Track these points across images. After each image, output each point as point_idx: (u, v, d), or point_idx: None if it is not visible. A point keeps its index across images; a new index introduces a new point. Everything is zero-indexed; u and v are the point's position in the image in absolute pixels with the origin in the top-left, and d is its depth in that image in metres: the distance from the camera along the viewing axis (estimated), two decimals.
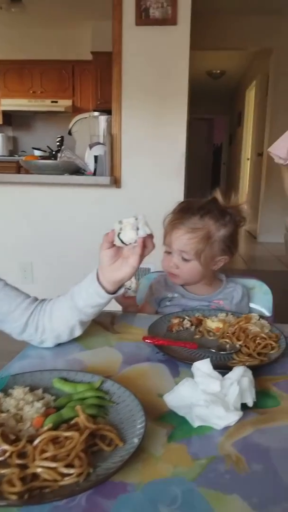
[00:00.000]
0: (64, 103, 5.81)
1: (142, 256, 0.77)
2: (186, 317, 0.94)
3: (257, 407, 0.62)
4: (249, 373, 0.63)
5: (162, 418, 0.60)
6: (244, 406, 0.61)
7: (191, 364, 0.67)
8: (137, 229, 0.76)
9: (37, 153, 5.07)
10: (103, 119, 2.72)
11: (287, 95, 4.79)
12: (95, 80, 5.47)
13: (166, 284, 1.15)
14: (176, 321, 0.91)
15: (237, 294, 1.13)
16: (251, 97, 6.54)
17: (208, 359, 0.63)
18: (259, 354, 0.77)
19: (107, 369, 0.75)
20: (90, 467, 0.48)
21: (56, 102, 5.88)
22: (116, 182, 2.64)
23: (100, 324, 0.95)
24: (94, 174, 2.57)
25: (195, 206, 1.07)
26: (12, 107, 5.82)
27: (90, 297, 0.79)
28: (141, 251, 0.76)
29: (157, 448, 0.54)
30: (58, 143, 3.02)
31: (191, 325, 0.92)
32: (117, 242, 0.77)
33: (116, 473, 0.47)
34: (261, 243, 5.39)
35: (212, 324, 0.89)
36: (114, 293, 0.81)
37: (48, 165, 2.63)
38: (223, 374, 0.63)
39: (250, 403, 0.61)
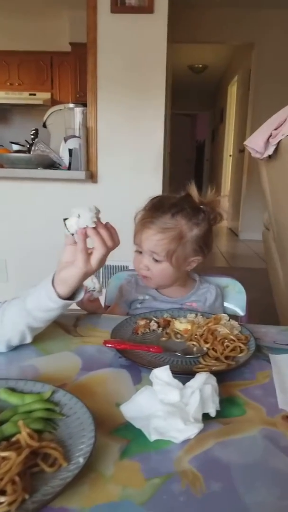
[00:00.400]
0: (42, 96, 5.69)
1: (101, 255, 0.71)
2: (154, 318, 0.89)
3: (221, 417, 0.58)
4: (213, 379, 0.59)
5: (117, 431, 0.55)
6: (207, 416, 0.56)
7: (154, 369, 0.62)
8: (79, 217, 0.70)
9: (15, 147, 4.94)
10: (78, 111, 2.64)
11: (269, 90, 4.78)
12: (74, 72, 5.37)
13: (137, 285, 1.10)
14: (142, 322, 0.86)
15: (211, 295, 1.08)
16: (233, 92, 6.53)
17: (167, 366, 0.57)
18: (226, 357, 0.72)
19: (63, 376, 0.69)
20: (26, 492, 0.42)
21: (34, 94, 5.76)
22: (92, 177, 2.57)
23: (62, 327, 0.90)
24: (69, 168, 2.49)
25: (166, 203, 1.01)
26: None
27: (40, 300, 0.73)
28: (83, 245, 0.70)
29: (108, 467, 0.49)
30: (32, 136, 2.91)
31: (158, 326, 0.87)
32: (65, 231, 0.71)
33: (54, 499, 0.42)
34: (243, 241, 5.39)
35: (180, 325, 0.84)
36: (68, 298, 0.74)
37: (21, 159, 2.54)
38: (188, 380, 0.58)
39: (212, 413, 0.56)
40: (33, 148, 2.69)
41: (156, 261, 1.00)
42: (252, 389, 0.66)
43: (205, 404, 0.56)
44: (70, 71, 5.50)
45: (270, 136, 1.32)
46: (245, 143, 1.40)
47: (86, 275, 0.73)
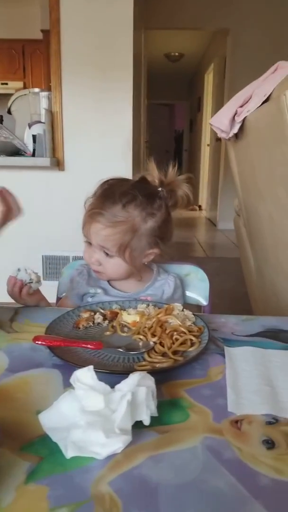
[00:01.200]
0: (14, 85, 5.51)
1: None
2: (100, 310, 0.79)
3: (158, 424, 0.48)
4: (150, 380, 0.49)
5: (29, 446, 0.45)
6: (141, 425, 0.47)
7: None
8: None
9: None
10: (43, 95, 2.51)
11: (244, 77, 4.67)
12: (46, 60, 5.17)
13: (89, 277, 1.00)
14: (85, 315, 0.76)
15: (168, 288, 0.98)
16: (209, 80, 6.44)
17: (91, 367, 0.48)
18: (175, 352, 0.63)
19: None
20: None
21: (6, 84, 5.60)
22: (59, 164, 2.44)
23: None
24: (33, 155, 2.37)
25: (117, 191, 0.89)
26: None
27: None
28: None
29: (8, 493, 0.39)
30: None
31: (104, 319, 0.77)
32: None
33: None
34: (221, 230, 5.34)
35: (128, 317, 0.75)
36: None
37: None
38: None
39: (146, 421, 0.47)
40: None
41: (108, 255, 0.90)
42: (201, 389, 0.56)
43: (138, 410, 0.46)
44: (42, 59, 5.33)
45: (236, 114, 1.23)
46: (210, 122, 1.31)
47: None
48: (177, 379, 0.59)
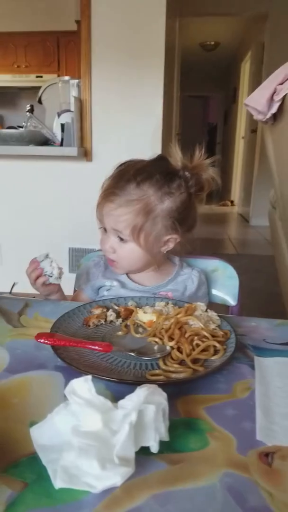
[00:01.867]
0: (49, 78, 5.49)
1: None
2: (114, 307, 0.71)
3: (169, 451, 0.40)
4: (161, 396, 0.41)
5: (15, 467, 0.38)
6: (147, 451, 0.38)
7: (95, 375, 0.46)
8: None
9: None
10: (73, 83, 2.45)
11: (284, 62, 4.48)
12: (79, 53, 5.16)
13: (105, 269, 0.92)
14: (97, 311, 0.69)
15: (192, 283, 0.89)
16: (246, 69, 6.21)
17: (89, 377, 0.40)
18: (195, 361, 0.54)
19: None
20: None
21: (41, 77, 5.59)
22: (86, 154, 2.38)
23: (4, 314, 0.73)
24: (61, 144, 2.31)
25: (132, 169, 0.82)
26: None
27: None
28: None
29: None
30: (27, 113, 2.73)
31: (118, 317, 0.69)
32: None
33: None
34: (254, 227, 5.15)
35: (144, 316, 0.66)
36: None
37: (11, 135, 2.36)
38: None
39: (153, 447, 0.38)
40: (25, 124, 2.51)
41: (122, 240, 0.82)
42: (224, 408, 0.47)
43: (144, 433, 0.38)
44: (76, 51, 5.29)
45: (274, 92, 1.12)
46: (244, 101, 1.20)
47: None
48: (196, 393, 0.50)
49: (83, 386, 0.39)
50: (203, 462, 0.39)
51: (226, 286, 0.96)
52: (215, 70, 8.34)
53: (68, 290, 0.97)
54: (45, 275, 0.81)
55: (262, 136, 4.93)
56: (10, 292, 1.42)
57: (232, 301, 0.95)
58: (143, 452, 0.38)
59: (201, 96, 9.30)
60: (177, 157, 0.84)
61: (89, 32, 2.24)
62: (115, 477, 0.34)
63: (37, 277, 0.82)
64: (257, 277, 2.59)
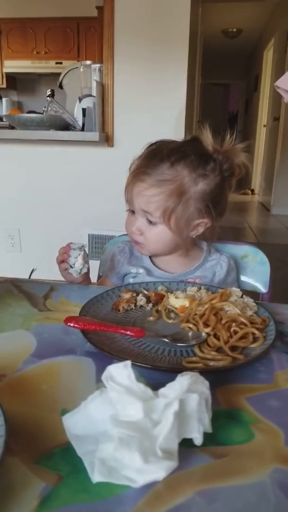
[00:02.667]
0: (69, 64, 5.46)
1: None
2: (144, 291, 0.68)
3: (213, 444, 0.37)
4: (203, 385, 0.38)
5: (47, 459, 0.36)
6: (189, 444, 0.36)
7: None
8: None
9: None
10: (95, 67, 2.40)
11: None
12: (101, 39, 5.09)
13: (131, 256, 0.89)
14: (126, 296, 0.66)
15: (221, 269, 0.85)
16: (269, 57, 6.04)
17: (128, 362, 0.37)
18: (233, 348, 0.51)
19: (3, 364, 0.50)
20: None
21: (60, 63, 5.55)
22: (108, 140, 2.34)
23: (28, 298, 0.71)
24: (83, 129, 2.28)
25: (166, 149, 0.79)
26: (15, 69, 5.50)
27: None
28: None
29: None
30: (48, 98, 2.71)
31: (148, 302, 0.66)
32: None
33: None
34: (275, 216, 5.05)
35: (176, 301, 0.63)
36: None
37: (32, 120, 2.34)
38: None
39: (197, 439, 0.35)
40: (46, 108, 2.48)
41: (151, 222, 0.79)
42: (267, 398, 0.44)
43: (187, 424, 0.35)
44: (97, 37, 5.22)
45: None
46: (276, 83, 1.14)
47: None
48: (235, 382, 0.47)
49: (122, 372, 0.36)
50: (249, 456, 0.36)
51: (257, 273, 0.92)
52: (236, 58, 8.15)
53: (93, 277, 0.94)
54: (68, 263, 0.79)
55: (285, 124, 4.80)
56: (29, 278, 1.37)
57: (263, 288, 0.91)
58: (184, 444, 0.35)
59: (222, 84, 9.12)
60: (207, 141, 0.80)
61: (112, 16, 2.18)
62: (158, 471, 0.31)
63: (63, 261, 0.79)
64: (280, 266, 2.54)
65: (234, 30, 6.60)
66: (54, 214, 2.55)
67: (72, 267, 0.78)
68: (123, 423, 0.34)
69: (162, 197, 0.75)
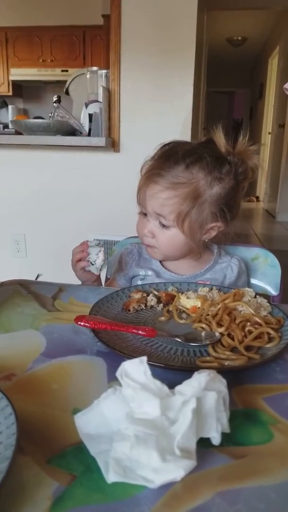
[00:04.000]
0: (74, 72, 5.52)
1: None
2: (154, 291, 0.67)
3: (231, 444, 0.36)
4: (221, 383, 0.36)
5: (60, 458, 0.34)
6: (207, 443, 0.34)
7: None
8: None
9: None
10: (101, 73, 2.42)
11: None
12: (106, 46, 5.14)
13: (139, 257, 0.88)
14: (137, 296, 0.65)
15: (231, 272, 0.84)
16: (273, 65, 6.07)
17: (144, 358, 0.36)
18: (248, 348, 0.50)
19: (13, 363, 0.49)
20: None
21: (66, 71, 5.60)
22: (114, 145, 2.35)
23: (37, 299, 0.70)
24: (89, 134, 2.28)
25: (181, 150, 0.78)
26: (21, 77, 5.55)
27: None
28: None
29: None
30: (54, 104, 2.72)
31: (159, 302, 0.65)
32: None
33: None
34: (281, 222, 5.03)
35: (187, 302, 0.62)
36: None
37: (39, 125, 2.35)
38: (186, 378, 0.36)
39: (215, 439, 0.34)
40: (52, 114, 2.50)
41: (164, 226, 0.78)
42: (285, 398, 0.43)
43: (205, 423, 0.34)
44: (102, 45, 5.28)
45: None
46: (285, 86, 1.14)
47: None
48: (252, 383, 0.46)
49: (138, 368, 0.35)
50: (270, 457, 0.35)
51: (268, 275, 0.91)
52: (241, 66, 8.19)
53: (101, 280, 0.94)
54: (88, 260, 0.78)
55: None
56: None
57: (273, 291, 0.90)
58: (201, 444, 0.34)
59: (226, 92, 9.16)
60: (220, 142, 0.79)
61: (119, 22, 2.20)
62: (177, 471, 0.30)
63: (80, 259, 0.78)
64: (286, 272, 2.52)
65: (239, 38, 6.65)
66: (60, 219, 2.55)
67: (93, 264, 0.77)
68: (139, 421, 0.33)
69: (176, 200, 0.74)
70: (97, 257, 0.77)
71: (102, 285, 0.88)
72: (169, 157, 0.78)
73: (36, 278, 2.73)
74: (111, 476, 0.31)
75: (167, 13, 2.20)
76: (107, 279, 0.99)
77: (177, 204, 0.75)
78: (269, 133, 6.29)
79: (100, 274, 0.82)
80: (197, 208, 0.75)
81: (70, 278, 0.91)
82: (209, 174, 0.75)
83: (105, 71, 2.42)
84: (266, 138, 6.58)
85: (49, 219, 2.57)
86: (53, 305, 0.68)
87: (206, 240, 0.82)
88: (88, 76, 2.52)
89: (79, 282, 0.87)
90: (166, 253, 0.83)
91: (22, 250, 2.70)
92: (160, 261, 0.86)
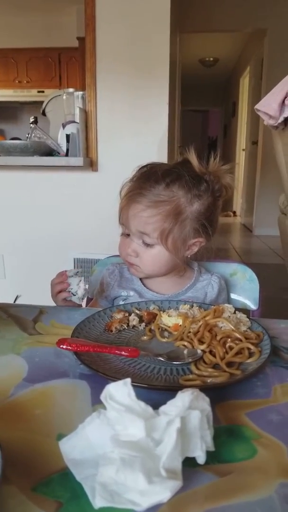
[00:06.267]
0: (51, 93, 5.57)
1: None
2: (136, 311, 0.68)
3: (216, 461, 0.36)
4: (204, 401, 0.37)
5: (46, 485, 0.34)
6: (192, 462, 0.35)
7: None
8: None
9: None
10: (78, 95, 2.45)
11: (283, 76, 4.51)
12: (82, 68, 5.22)
13: (121, 278, 0.89)
14: (119, 316, 0.65)
15: (212, 290, 0.86)
16: (245, 84, 6.28)
17: (128, 380, 0.36)
18: (229, 364, 0.51)
19: None
20: None
21: (42, 92, 5.67)
22: (92, 164, 2.37)
23: (17, 322, 0.69)
24: (67, 155, 2.30)
25: (160, 170, 0.80)
26: None
27: None
28: None
29: None
30: (31, 124, 2.74)
31: (141, 321, 0.65)
32: None
33: None
34: (258, 236, 5.13)
35: (169, 320, 0.63)
36: None
37: (15, 146, 2.35)
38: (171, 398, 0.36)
39: (200, 458, 0.35)
40: (29, 135, 2.51)
41: (147, 245, 0.79)
42: (266, 413, 0.44)
43: (190, 442, 0.34)
44: (78, 67, 5.38)
45: (286, 97, 1.10)
46: (256, 107, 1.19)
47: None
48: (234, 398, 0.46)
49: (122, 391, 0.35)
50: (254, 472, 0.35)
51: (246, 290, 0.92)
52: (214, 85, 8.44)
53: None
54: (69, 291, 0.77)
55: (263, 147, 4.94)
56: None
57: (252, 305, 0.91)
58: (186, 463, 0.34)
59: (200, 110, 9.39)
60: (194, 163, 0.82)
61: (94, 45, 2.25)
62: (163, 492, 0.30)
63: (61, 291, 0.77)
64: (266, 285, 2.56)
65: (211, 59, 6.86)
66: (39, 240, 2.54)
67: (75, 295, 0.76)
68: (124, 443, 0.33)
69: (159, 217, 0.76)
70: (78, 287, 0.76)
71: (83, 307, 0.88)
72: (148, 177, 0.80)
73: (15, 299, 2.69)
74: (98, 501, 0.31)
75: (141, 36, 2.27)
76: (89, 299, 0.98)
77: (160, 222, 0.76)
78: (243, 149, 6.46)
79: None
80: (179, 225, 0.77)
81: (50, 299, 0.91)
82: (189, 192, 0.78)
83: (81, 92, 2.45)
84: (240, 155, 6.76)
85: (28, 240, 2.55)
86: (34, 328, 0.67)
87: (188, 257, 0.84)
88: (64, 97, 2.55)
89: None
90: (149, 271, 0.84)
91: (1, 271, 2.66)
92: (142, 282, 0.87)
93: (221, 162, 0.84)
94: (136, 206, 0.78)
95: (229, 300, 0.92)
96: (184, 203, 0.77)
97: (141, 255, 0.81)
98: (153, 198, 0.77)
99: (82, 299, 0.77)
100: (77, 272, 0.77)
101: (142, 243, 0.80)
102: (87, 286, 0.77)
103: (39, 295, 0.81)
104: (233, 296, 0.93)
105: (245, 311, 0.90)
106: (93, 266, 1.04)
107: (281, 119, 1.15)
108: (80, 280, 0.76)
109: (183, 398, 0.35)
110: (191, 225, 0.79)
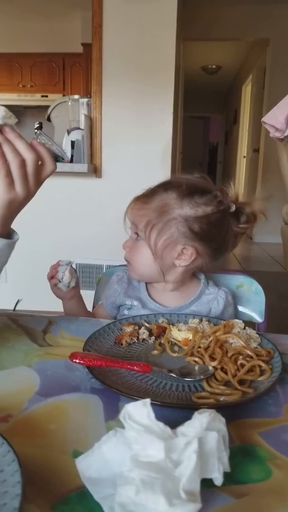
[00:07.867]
0: (54, 98, 5.58)
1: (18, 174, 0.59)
2: (145, 324, 0.68)
3: (232, 483, 0.36)
4: (221, 422, 0.37)
5: (64, 504, 0.34)
6: (209, 483, 0.35)
7: (136, 398, 0.42)
8: None
9: None
10: (83, 102, 2.47)
11: (285, 86, 4.54)
12: (86, 73, 5.26)
13: (128, 285, 0.89)
14: (129, 329, 0.65)
15: (217, 305, 0.85)
16: (247, 92, 6.31)
17: (147, 400, 0.36)
18: (241, 382, 0.51)
19: (8, 404, 0.49)
20: None
21: (46, 96, 5.70)
22: (96, 171, 2.38)
23: (27, 333, 0.70)
24: (71, 161, 2.31)
25: (167, 181, 0.85)
26: (1, 102, 5.59)
27: None
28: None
29: None
30: (36, 130, 2.75)
31: (150, 335, 0.66)
32: None
33: None
34: (258, 244, 5.14)
35: (179, 334, 0.63)
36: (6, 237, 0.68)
37: None
38: (187, 415, 0.37)
39: (217, 479, 0.35)
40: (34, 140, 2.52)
41: (138, 236, 0.83)
42: (280, 433, 0.44)
43: (207, 464, 0.35)
44: (82, 72, 5.42)
45: None
46: (262, 119, 1.20)
47: (14, 203, 0.65)
48: (246, 417, 0.47)
49: (141, 411, 0.36)
50: (270, 494, 0.36)
51: (252, 302, 0.93)
52: (216, 92, 8.49)
53: (88, 307, 0.95)
54: (57, 278, 0.85)
55: (264, 155, 4.96)
56: (14, 309, 1.41)
57: (258, 318, 0.92)
58: (202, 483, 0.34)
59: (202, 117, 9.44)
60: (231, 192, 0.84)
61: (100, 53, 2.27)
62: None
63: (52, 278, 0.86)
64: (267, 293, 2.56)
65: (214, 66, 6.91)
66: (42, 244, 2.54)
67: (61, 281, 0.84)
68: (144, 464, 0.33)
69: (147, 211, 0.80)
70: (63, 274, 0.85)
71: (83, 301, 0.93)
72: (155, 185, 0.85)
73: (16, 304, 2.69)
74: None
75: (147, 44, 2.29)
76: (93, 304, 1.00)
77: (147, 215, 0.80)
78: (244, 156, 6.48)
79: (78, 289, 0.89)
80: (164, 223, 0.79)
81: (51, 303, 0.96)
82: (182, 196, 0.79)
83: (86, 99, 2.47)
84: (241, 162, 6.78)
85: (30, 244, 2.55)
86: (44, 339, 0.68)
87: (189, 269, 0.83)
88: (69, 104, 2.57)
89: (62, 308, 0.92)
90: (138, 270, 0.85)
91: (2, 275, 2.66)
92: (148, 291, 0.88)
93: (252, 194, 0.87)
94: (135, 202, 0.84)
95: (237, 313, 0.92)
96: (174, 204, 0.79)
97: (131, 249, 0.85)
98: (150, 195, 0.82)
99: (68, 286, 0.85)
100: (69, 262, 0.86)
101: (135, 235, 0.84)
102: (72, 276, 0.85)
103: (40, 300, 0.86)
104: (239, 308, 0.93)
105: (251, 323, 0.91)
106: (99, 275, 1.05)
107: (287, 133, 1.16)
108: (66, 269, 0.85)
109: (201, 419, 0.36)
110: (177, 227, 0.78)
